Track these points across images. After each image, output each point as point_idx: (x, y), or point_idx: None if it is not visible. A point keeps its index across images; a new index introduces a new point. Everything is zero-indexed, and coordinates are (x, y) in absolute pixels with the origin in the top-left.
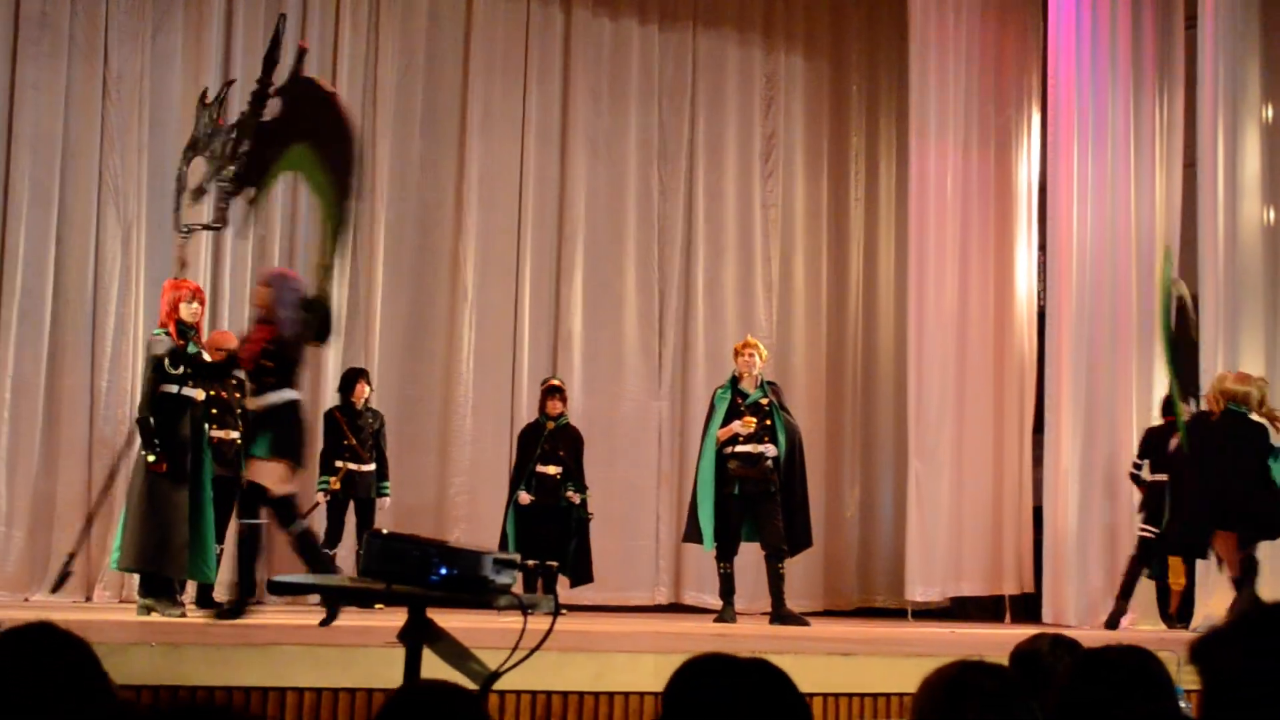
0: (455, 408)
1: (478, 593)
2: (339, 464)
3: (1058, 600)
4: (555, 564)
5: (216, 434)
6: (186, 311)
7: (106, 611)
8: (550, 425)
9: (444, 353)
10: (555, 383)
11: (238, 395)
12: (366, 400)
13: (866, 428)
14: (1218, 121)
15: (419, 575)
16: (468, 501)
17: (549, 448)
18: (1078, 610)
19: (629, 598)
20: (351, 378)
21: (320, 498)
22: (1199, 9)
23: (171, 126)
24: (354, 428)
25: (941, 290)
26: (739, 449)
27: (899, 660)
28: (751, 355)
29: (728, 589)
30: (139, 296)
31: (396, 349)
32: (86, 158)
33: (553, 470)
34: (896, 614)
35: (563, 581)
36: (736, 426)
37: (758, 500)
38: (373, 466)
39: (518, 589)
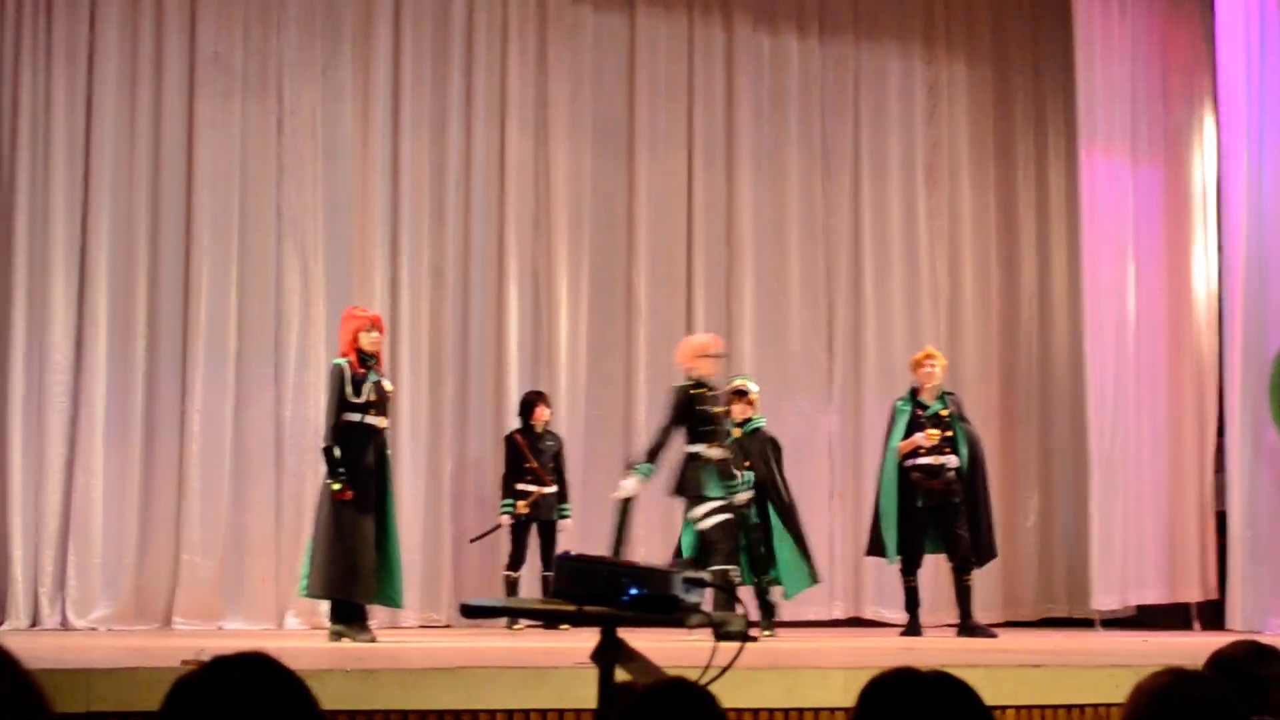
0: (635, 428)
1: (669, 612)
2: (520, 487)
3: (1243, 605)
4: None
5: None
6: (367, 340)
7: (298, 638)
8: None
9: (622, 373)
10: (739, 385)
11: None
12: (546, 423)
13: (1043, 436)
14: None
15: (610, 596)
16: (648, 520)
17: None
18: (1259, 615)
19: (802, 613)
20: (531, 401)
21: (505, 520)
22: None
23: (345, 159)
24: (535, 451)
25: (1118, 296)
26: (921, 461)
27: (1091, 671)
28: (932, 366)
29: (913, 602)
30: (319, 327)
31: (579, 370)
32: (263, 192)
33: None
34: (1077, 623)
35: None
36: (919, 439)
37: (942, 512)
38: (554, 489)
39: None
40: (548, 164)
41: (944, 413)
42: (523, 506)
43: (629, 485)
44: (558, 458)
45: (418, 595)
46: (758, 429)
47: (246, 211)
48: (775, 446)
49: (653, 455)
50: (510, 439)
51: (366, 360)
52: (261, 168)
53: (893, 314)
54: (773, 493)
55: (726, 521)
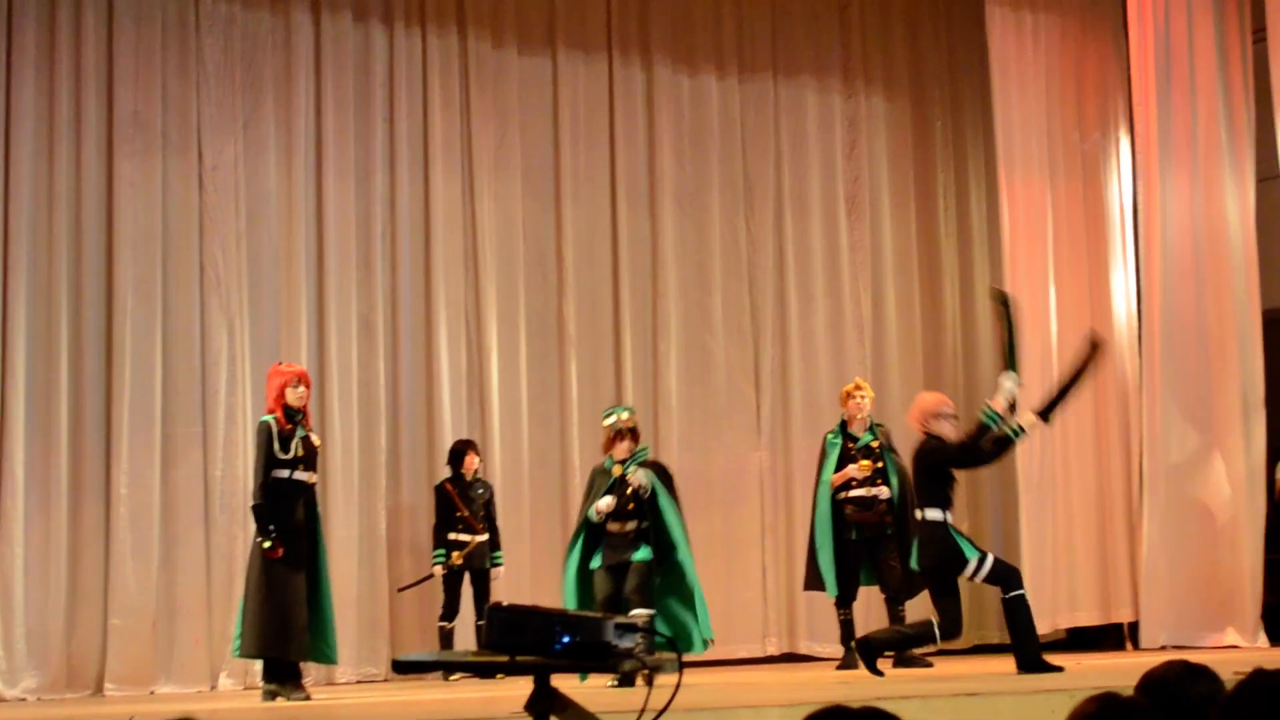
0: (571, 472)
1: (602, 658)
2: (452, 536)
3: (1164, 623)
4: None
5: None
6: (294, 396)
7: (232, 699)
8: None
9: (557, 415)
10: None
11: None
12: (476, 471)
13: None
14: None
15: (542, 645)
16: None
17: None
18: (1170, 634)
19: (734, 651)
20: (460, 450)
21: (437, 570)
22: (1267, 20)
23: (268, 213)
24: (465, 499)
25: (1041, 322)
26: (854, 493)
27: (1026, 697)
28: (861, 398)
29: (849, 635)
30: (246, 384)
31: (515, 414)
32: (186, 250)
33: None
34: (1011, 650)
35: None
36: (852, 471)
37: (875, 544)
38: (485, 537)
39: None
40: (473, 209)
41: (874, 444)
42: (457, 557)
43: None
44: (489, 505)
45: (354, 650)
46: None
47: (170, 270)
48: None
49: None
50: (440, 488)
51: (294, 416)
52: (184, 225)
53: (818, 348)
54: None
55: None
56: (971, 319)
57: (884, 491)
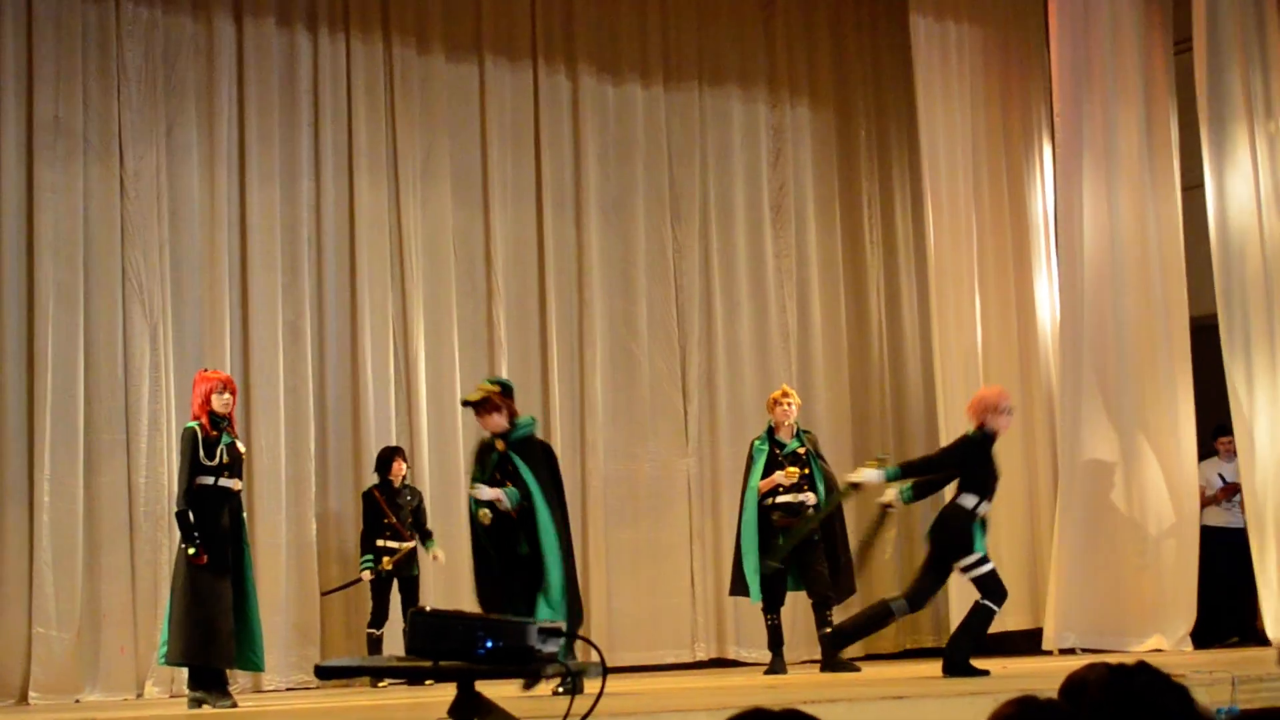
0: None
1: (525, 663)
2: (380, 543)
3: (1060, 628)
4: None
5: None
6: (219, 402)
7: (158, 707)
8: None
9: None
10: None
11: None
12: (404, 477)
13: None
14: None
15: (465, 650)
16: None
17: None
18: (1084, 638)
19: (662, 656)
20: (387, 456)
21: (365, 576)
22: (1193, 31)
23: (191, 220)
24: (393, 506)
25: (965, 328)
26: (781, 499)
27: (952, 700)
28: (788, 405)
29: (776, 640)
30: (170, 391)
31: (444, 420)
32: (109, 257)
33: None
34: (940, 653)
35: None
36: (779, 477)
37: (801, 550)
38: (414, 544)
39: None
40: (399, 216)
41: (801, 450)
42: (388, 562)
43: (870, 474)
44: (417, 512)
45: (282, 657)
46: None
47: (92, 276)
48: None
49: (914, 469)
50: (368, 495)
51: (219, 422)
52: (106, 231)
53: (744, 355)
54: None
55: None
56: (897, 326)
57: (810, 498)
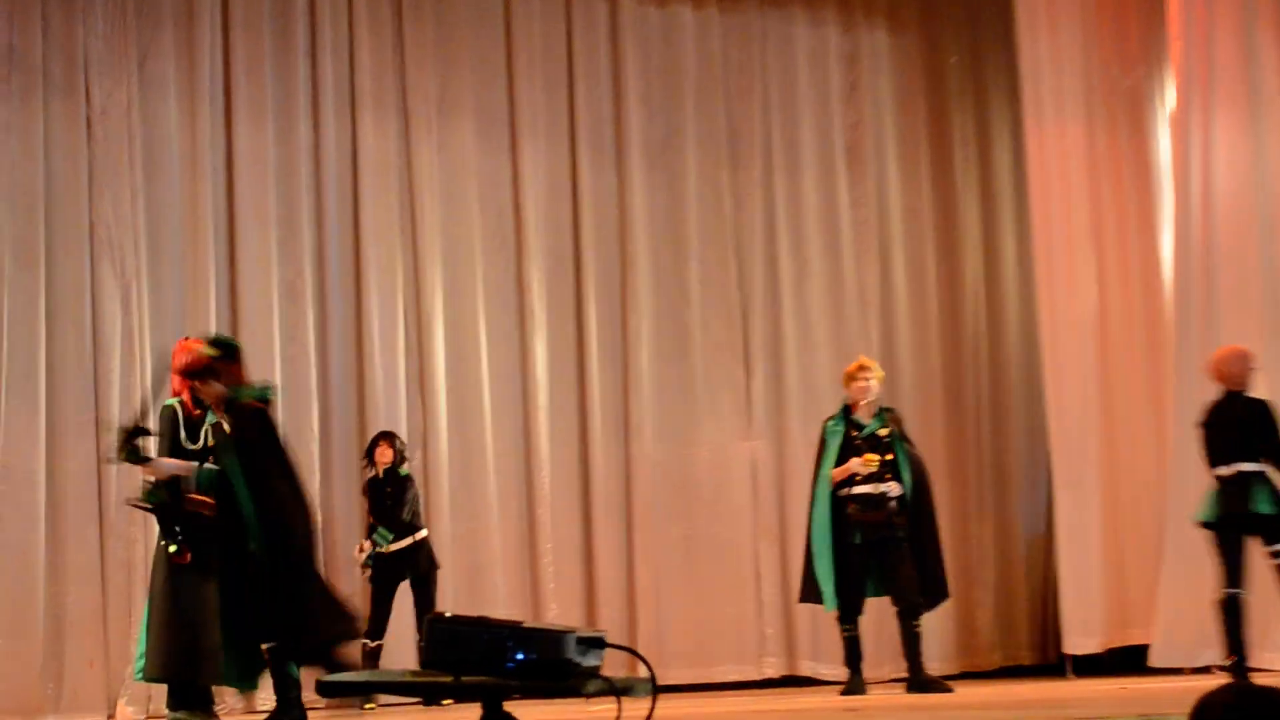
0: (536, 464)
1: (561, 678)
2: (365, 543)
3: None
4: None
5: None
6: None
7: None
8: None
9: (518, 397)
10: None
11: None
12: (400, 465)
13: (997, 456)
14: None
15: (492, 663)
16: (556, 575)
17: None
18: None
19: (724, 674)
20: (373, 442)
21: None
22: None
23: (169, 165)
24: (378, 497)
25: (1076, 288)
26: (857, 490)
27: None
28: (867, 379)
29: (855, 655)
30: (145, 363)
31: (466, 395)
32: (74, 207)
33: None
34: (1045, 670)
35: None
36: (854, 465)
37: (883, 548)
38: (406, 541)
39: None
40: (409, 159)
41: (882, 432)
42: (363, 549)
43: None
44: (401, 503)
45: None
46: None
47: (54, 230)
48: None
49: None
50: (365, 487)
51: (202, 400)
52: (70, 178)
53: (815, 322)
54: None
55: None
56: (996, 286)
57: (894, 488)
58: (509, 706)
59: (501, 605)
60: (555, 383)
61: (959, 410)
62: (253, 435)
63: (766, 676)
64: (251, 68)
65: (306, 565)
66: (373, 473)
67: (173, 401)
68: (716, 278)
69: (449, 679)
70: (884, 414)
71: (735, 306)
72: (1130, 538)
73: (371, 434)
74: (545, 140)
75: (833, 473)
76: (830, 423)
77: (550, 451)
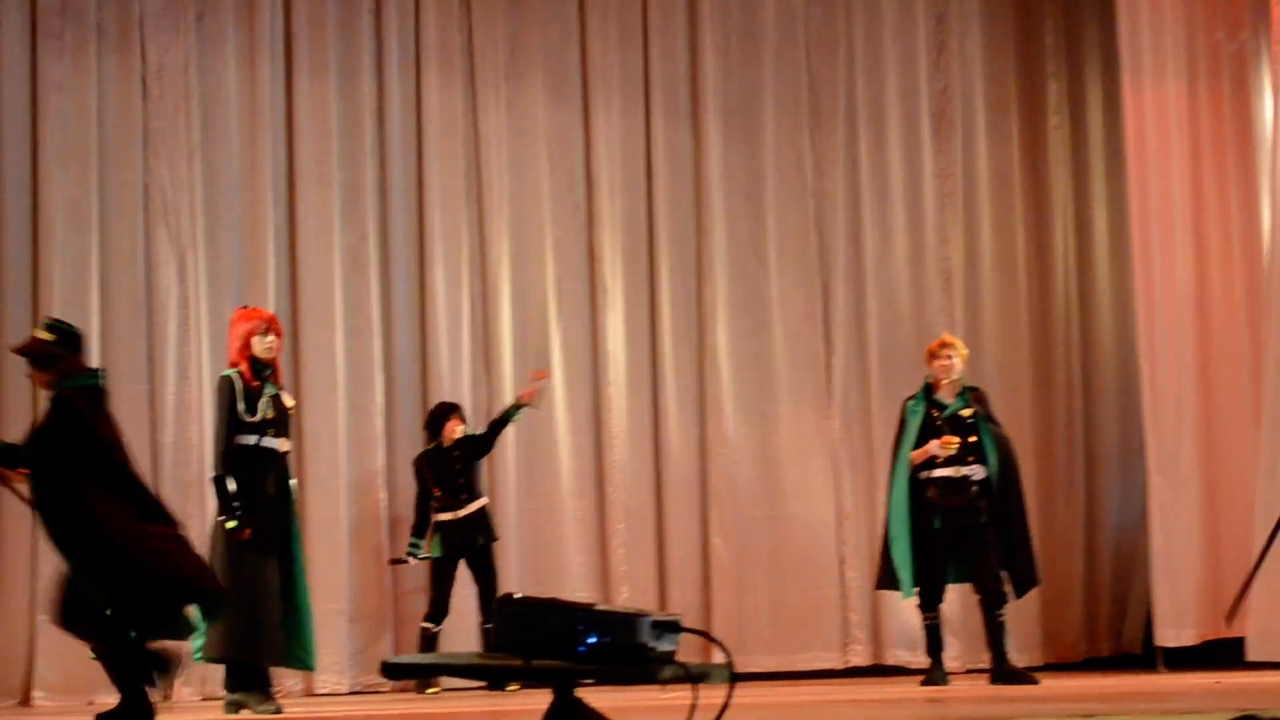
0: (610, 440)
1: (635, 663)
2: (434, 519)
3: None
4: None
5: None
6: (261, 346)
7: (191, 712)
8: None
9: (588, 371)
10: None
11: None
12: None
13: (1087, 438)
14: None
15: (563, 646)
16: (628, 556)
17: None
18: None
19: (811, 661)
20: (444, 414)
21: (412, 560)
22: None
23: (226, 124)
24: (444, 471)
25: (1174, 262)
26: (938, 473)
27: None
28: (950, 357)
29: (935, 644)
30: (202, 331)
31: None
32: (128, 169)
33: None
34: (1135, 662)
35: None
36: (933, 447)
37: (966, 534)
38: (473, 507)
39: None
40: (476, 120)
41: (965, 413)
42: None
43: None
44: (470, 470)
45: (344, 655)
46: None
47: (108, 193)
48: None
49: None
50: (415, 464)
51: (261, 371)
52: (124, 139)
53: (898, 295)
54: None
55: None
56: (1087, 261)
57: (978, 471)
58: (580, 692)
59: (570, 586)
60: (628, 356)
61: (1047, 390)
62: (48, 426)
63: (851, 665)
64: (313, 23)
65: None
66: (434, 444)
67: (230, 372)
68: (796, 248)
69: (518, 662)
70: (968, 393)
71: (815, 277)
72: (1227, 526)
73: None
74: (619, 101)
75: (911, 455)
76: (910, 402)
77: (622, 428)
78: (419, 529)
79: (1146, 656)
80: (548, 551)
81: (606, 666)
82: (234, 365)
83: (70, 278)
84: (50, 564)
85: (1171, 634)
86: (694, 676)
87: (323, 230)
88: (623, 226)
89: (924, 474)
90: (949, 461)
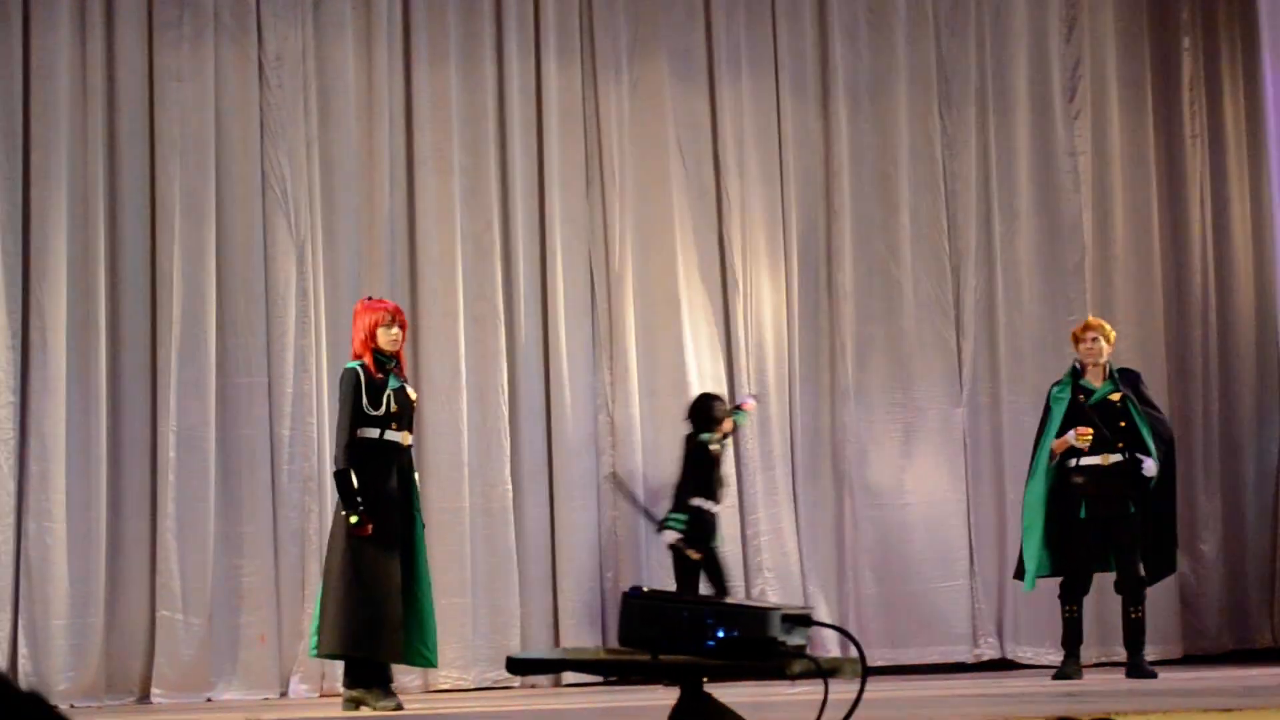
0: (742, 431)
1: (765, 658)
2: (697, 502)
3: None
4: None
5: None
6: (385, 338)
7: (307, 709)
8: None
9: (718, 358)
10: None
11: None
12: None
13: (1226, 424)
14: None
15: (692, 641)
16: (770, 544)
17: None
18: None
19: (949, 653)
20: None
21: (669, 537)
22: None
23: (344, 112)
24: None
25: None
26: (1085, 460)
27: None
28: (1096, 339)
29: (1073, 636)
30: (320, 322)
31: (660, 359)
32: (246, 159)
33: None
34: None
35: None
36: (1070, 438)
37: (1113, 524)
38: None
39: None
40: (596, 103)
41: (1114, 397)
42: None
43: None
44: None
45: (468, 650)
46: None
47: (225, 184)
48: None
49: None
50: (702, 444)
51: (385, 363)
52: (242, 128)
53: (1025, 279)
54: None
55: None
56: (1225, 241)
57: (1127, 458)
58: (709, 687)
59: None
60: (763, 342)
61: (1184, 374)
62: None
63: (982, 658)
64: (432, 7)
65: None
66: (706, 434)
67: (355, 364)
68: (928, 231)
69: (646, 658)
70: (1116, 376)
71: (946, 261)
72: None
73: (555, 399)
74: (748, 81)
75: (1053, 445)
76: (1055, 388)
77: (754, 416)
78: (682, 508)
79: None
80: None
81: (737, 661)
82: (358, 357)
83: (189, 267)
84: (176, 561)
85: None
86: (825, 671)
87: (443, 218)
88: (752, 210)
89: (1070, 462)
90: (1097, 448)
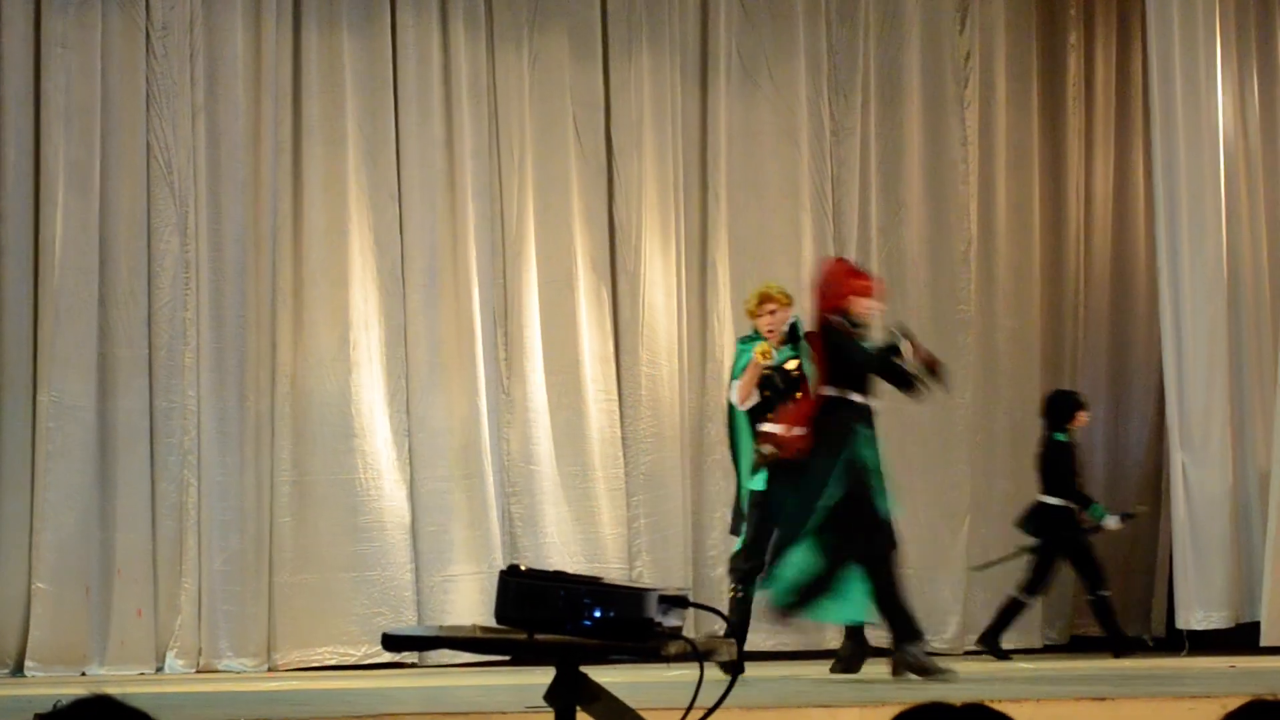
0: (630, 407)
1: (641, 639)
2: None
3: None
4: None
5: None
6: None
7: (183, 684)
8: None
9: (604, 340)
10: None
11: None
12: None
13: (1113, 415)
14: None
15: (568, 621)
16: (650, 526)
17: None
18: None
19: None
20: (1078, 404)
21: (1110, 524)
22: None
23: (231, 85)
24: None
25: (1203, 235)
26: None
27: (1167, 703)
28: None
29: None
30: (201, 295)
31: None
32: (131, 129)
33: None
34: (1160, 644)
35: None
36: None
37: None
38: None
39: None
40: (495, 72)
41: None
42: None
43: None
44: None
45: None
46: None
47: (110, 153)
48: None
49: None
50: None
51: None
52: (127, 98)
53: (907, 269)
54: None
55: None
56: (1094, 240)
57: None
58: (586, 669)
59: None
60: (650, 324)
61: (1058, 365)
62: None
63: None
64: None
65: None
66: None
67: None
68: (814, 216)
69: (522, 636)
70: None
71: (831, 247)
72: (1259, 501)
73: (456, 368)
74: (644, 59)
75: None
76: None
77: None
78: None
79: (1173, 639)
80: None
81: (612, 642)
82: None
83: (72, 238)
84: (52, 532)
85: (1200, 616)
86: (700, 654)
87: (330, 189)
88: (647, 190)
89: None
90: None
